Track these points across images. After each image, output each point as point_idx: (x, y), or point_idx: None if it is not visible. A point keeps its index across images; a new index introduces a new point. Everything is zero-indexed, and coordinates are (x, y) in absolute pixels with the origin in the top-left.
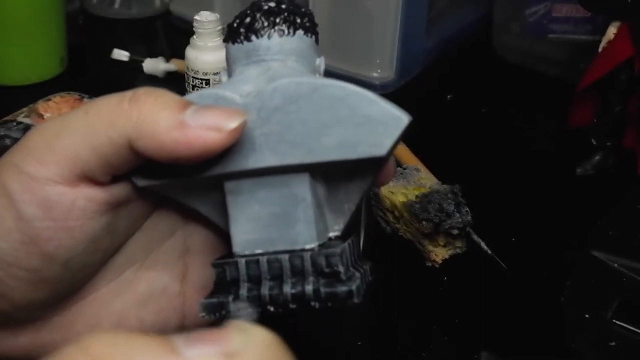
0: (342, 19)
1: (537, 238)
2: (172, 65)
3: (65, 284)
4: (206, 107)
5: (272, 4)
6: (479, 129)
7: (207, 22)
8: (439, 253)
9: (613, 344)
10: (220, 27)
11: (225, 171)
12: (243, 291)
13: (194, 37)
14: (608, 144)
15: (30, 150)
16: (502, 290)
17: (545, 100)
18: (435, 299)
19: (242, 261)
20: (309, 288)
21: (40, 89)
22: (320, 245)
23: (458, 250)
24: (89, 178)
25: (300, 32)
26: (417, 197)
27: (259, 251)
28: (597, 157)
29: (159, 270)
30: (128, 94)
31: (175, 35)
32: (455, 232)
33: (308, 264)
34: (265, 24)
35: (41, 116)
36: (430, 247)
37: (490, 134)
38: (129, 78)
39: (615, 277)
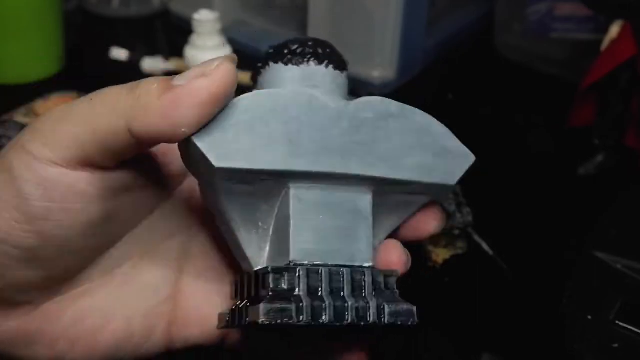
0: (342, 19)
1: (538, 239)
2: (171, 65)
3: (59, 268)
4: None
5: (318, 48)
6: (480, 129)
7: (206, 21)
8: (440, 254)
9: (615, 345)
10: (219, 26)
11: (312, 170)
12: (305, 301)
13: (193, 36)
14: (610, 143)
15: (37, 132)
16: (503, 291)
17: (546, 100)
18: (436, 299)
19: (302, 270)
20: (372, 303)
21: (38, 88)
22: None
23: (459, 251)
24: (90, 162)
25: (345, 72)
26: None
27: (317, 262)
28: (599, 157)
29: (153, 270)
30: (133, 83)
31: (174, 34)
32: (457, 232)
33: (369, 280)
34: (322, 53)
35: (39, 116)
36: (431, 248)
37: (491, 134)
38: (127, 77)
39: (617, 278)
